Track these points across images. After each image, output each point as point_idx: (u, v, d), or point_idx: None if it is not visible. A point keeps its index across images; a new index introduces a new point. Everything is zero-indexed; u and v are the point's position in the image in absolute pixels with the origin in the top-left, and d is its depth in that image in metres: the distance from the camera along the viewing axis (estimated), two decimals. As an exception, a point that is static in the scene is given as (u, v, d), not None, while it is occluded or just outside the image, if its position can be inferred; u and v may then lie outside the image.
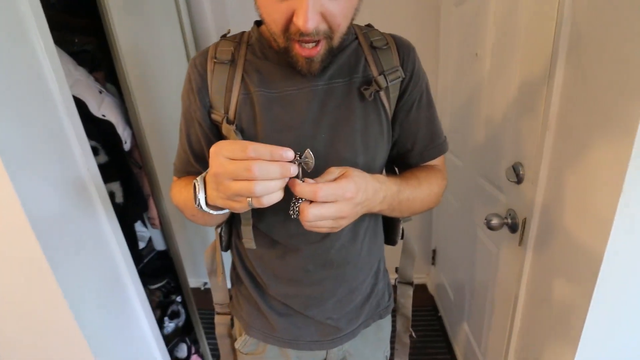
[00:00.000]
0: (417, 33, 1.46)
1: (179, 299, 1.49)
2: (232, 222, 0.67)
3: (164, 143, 1.27)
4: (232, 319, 0.75)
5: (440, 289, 1.74)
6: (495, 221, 0.88)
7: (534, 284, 0.82)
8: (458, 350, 1.48)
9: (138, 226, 1.36)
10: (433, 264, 1.87)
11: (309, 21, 0.40)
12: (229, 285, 0.76)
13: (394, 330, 0.80)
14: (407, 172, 0.62)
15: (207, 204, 0.45)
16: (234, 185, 0.38)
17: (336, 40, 0.46)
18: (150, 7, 1.33)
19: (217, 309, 0.75)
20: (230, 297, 0.74)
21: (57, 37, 0.78)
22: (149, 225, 1.38)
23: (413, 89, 0.57)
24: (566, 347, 0.69)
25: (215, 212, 0.47)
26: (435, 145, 0.62)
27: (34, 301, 0.76)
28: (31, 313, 0.79)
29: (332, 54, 0.49)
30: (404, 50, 0.57)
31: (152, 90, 1.35)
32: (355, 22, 0.59)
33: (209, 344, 1.50)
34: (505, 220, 0.89)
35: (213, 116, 0.55)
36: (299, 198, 0.43)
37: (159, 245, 1.47)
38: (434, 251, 1.84)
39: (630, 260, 0.57)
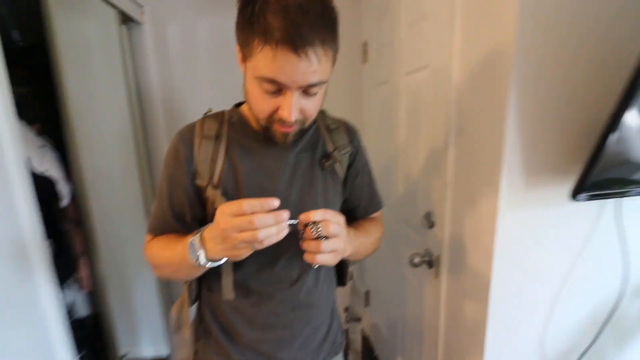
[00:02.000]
0: (346, 107, 1.77)
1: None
2: (202, 277, 0.73)
3: (104, 199, 1.24)
4: None
5: (375, 328, 1.87)
6: (417, 259, 1.09)
7: (450, 310, 1.02)
8: (394, 386, 1.60)
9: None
10: (367, 305, 2.02)
11: (292, 115, 0.55)
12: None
13: None
14: (354, 224, 0.78)
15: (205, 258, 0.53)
16: (240, 235, 0.48)
17: (307, 124, 0.62)
18: (97, 61, 1.36)
19: None
20: (196, 352, 0.76)
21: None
22: (72, 288, 1.26)
23: (358, 161, 0.76)
24: (476, 353, 0.87)
25: (210, 265, 0.55)
26: (375, 203, 0.81)
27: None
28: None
29: (302, 132, 0.64)
30: (351, 132, 0.76)
31: (94, 145, 1.32)
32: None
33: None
34: (424, 258, 1.10)
35: (197, 182, 0.64)
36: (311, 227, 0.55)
37: (81, 310, 1.32)
38: (367, 293, 2.00)
39: (508, 277, 0.80)
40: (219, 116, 0.69)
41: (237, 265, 0.66)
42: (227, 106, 0.73)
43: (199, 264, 0.54)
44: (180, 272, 0.62)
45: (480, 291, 0.83)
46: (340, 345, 0.83)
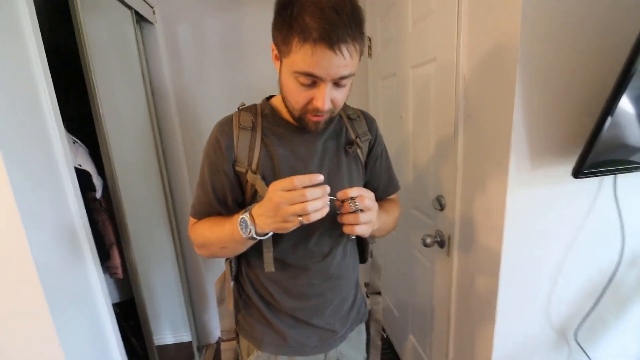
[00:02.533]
0: (353, 99, 1.83)
1: None
2: (242, 255, 0.80)
3: (130, 192, 1.31)
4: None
5: (385, 310, 1.97)
6: (429, 240, 1.17)
7: (461, 285, 1.10)
8: (406, 363, 1.69)
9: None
10: (376, 290, 2.11)
11: (325, 105, 0.62)
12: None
13: (367, 337, 0.98)
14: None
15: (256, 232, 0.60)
16: (291, 208, 0.55)
17: (335, 113, 0.69)
18: (117, 61, 1.42)
19: (224, 336, 0.84)
20: (237, 322, 0.83)
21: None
22: (107, 275, 1.33)
23: (377, 147, 0.84)
24: (488, 326, 0.96)
25: (260, 238, 0.62)
26: (393, 185, 0.89)
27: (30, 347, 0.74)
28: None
29: (332, 120, 0.72)
30: (369, 120, 0.84)
31: (120, 141, 1.38)
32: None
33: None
34: (436, 239, 1.18)
35: (237, 168, 0.71)
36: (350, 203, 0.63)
37: (113, 297, 1.40)
38: (376, 278, 2.09)
39: (517, 251, 0.88)
40: (253, 109, 0.76)
41: (275, 242, 0.73)
42: (236, 101, 0.80)
43: (251, 236, 0.61)
44: (227, 248, 0.69)
45: (491, 265, 0.92)
46: (365, 315, 0.91)
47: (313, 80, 0.60)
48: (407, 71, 1.32)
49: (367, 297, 0.98)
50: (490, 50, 0.84)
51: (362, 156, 0.80)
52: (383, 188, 0.87)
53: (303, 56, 0.57)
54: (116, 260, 1.26)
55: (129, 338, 1.42)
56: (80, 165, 1.06)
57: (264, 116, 0.75)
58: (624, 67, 0.63)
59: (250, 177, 0.70)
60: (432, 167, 1.22)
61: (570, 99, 0.78)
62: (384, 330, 1.99)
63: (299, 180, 0.56)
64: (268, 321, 0.79)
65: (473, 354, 1.05)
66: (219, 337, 0.84)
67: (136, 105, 1.48)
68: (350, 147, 0.77)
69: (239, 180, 0.73)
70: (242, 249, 0.71)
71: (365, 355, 0.96)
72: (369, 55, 1.75)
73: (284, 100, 0.69)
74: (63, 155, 0.82)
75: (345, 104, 0.85)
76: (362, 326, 0.92)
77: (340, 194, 0.62)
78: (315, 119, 0.66)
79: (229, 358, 0.84)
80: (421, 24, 1.17)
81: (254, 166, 0.71)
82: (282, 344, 0.78)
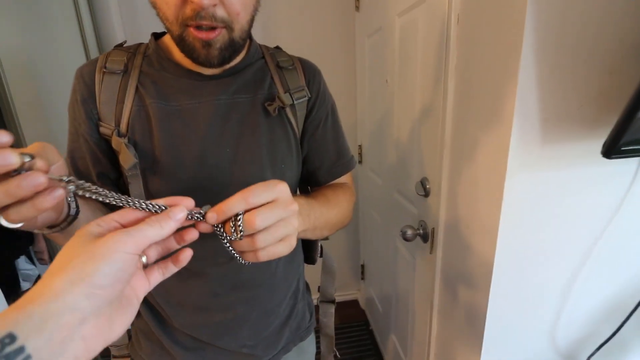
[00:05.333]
0: (338, 61, 1.57)
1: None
2: None
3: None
4: None
5: (370, 302, 1.79)
6: (409, 232, 0.94)
7: (445, 289, 0.89)
8: (388, 362, 1.52)
9: (22, 263, 1.13)
10: (362, 278, 1.92)
11: None
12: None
13: (318, 352, 0.79)
14: (315, 191, 0.63)
15: None
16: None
17: (237, 32, 0.46)
18: (46, 14, 1.18)
19: (114, 351, 0.64)
20: (129, 337, 0.64)
21: None
22: (36, 261, 1.16)
23: (319, 109, 0.60)
24: (474, 345, 0.75)
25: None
26: (342, 163, 0.64)
27: None
28: None
29: (234, 48, 0.47)
30: (309, 71, 0.59)
31: (44, 108, 1.17)
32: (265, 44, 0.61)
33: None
34: (418, 231, 0.96)
35: (102, 129, 0.50)
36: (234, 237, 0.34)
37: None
38: (362, 266, 1.90)
39: (516, 254, 0.65)
40: (132, 48, 0.54)
41: None
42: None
43: None
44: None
45: (481, 269, 0.69)
46: (308, 330, 0.71)
47: None
48: (394, 21, 1.05)
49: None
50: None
51: (295, 121, 0.57)
52: (328, 167, 0.63)
53: None
54: (41, 244, 1.09)
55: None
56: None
57: (146, 57, 0.52)
58: None
59: (115, 143, 0.49)
60: (416, 143, 0.97)
61: (599, 47, 0.52)
62: (368, 323, 1.82)
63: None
64: (158, 340, 0.59)
65: (455, 374, 0.85)
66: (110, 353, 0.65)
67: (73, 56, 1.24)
68: (271, 104, 0.53)
69: (108, 146, 0.51)
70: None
71: None
72: (356, 7, 1.47)
73: (158, 16, 0.45)
74: None
75: (279, 49, 0.61)
76: (306, 343, 0.71)
77: (211, 216, 0.34)
78: (201, 35, 0.43)
79: None
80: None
81: (122, 126, 0.49)
82: None
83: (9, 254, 0.99)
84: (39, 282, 0.25)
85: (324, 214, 0.53)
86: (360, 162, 1.68)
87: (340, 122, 0.65)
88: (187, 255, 0.35)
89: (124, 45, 0.54)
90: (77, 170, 0.52)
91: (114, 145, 0.49)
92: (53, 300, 0.23)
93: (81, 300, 0.24)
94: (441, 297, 0.91)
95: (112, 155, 0.51)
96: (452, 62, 0.74)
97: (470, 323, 0.77)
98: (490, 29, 0.60)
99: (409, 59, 0.98)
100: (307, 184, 0.67)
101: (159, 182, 0.50)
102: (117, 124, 0.49)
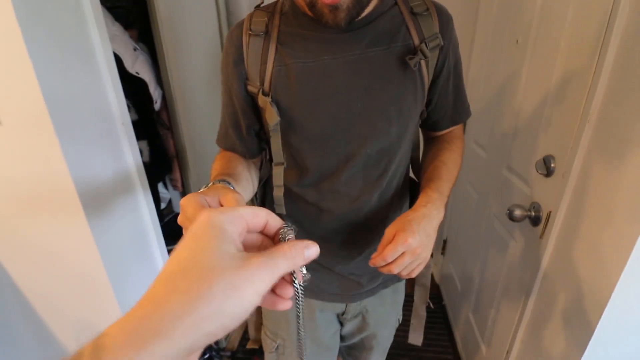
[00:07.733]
0: (455, 7, 1.41)
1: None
2: (266, 189, 0.69)
3: (192, 106, 1.29)
4: None
5: (447, 279, 1.75)
6: (518, 212, 0.87)
7: (551, 279, 0.82)
8: (458, 337, 1.51)
9: (159, 187, 1.40)
10: (442, 254, 1.88)
11: None
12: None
13: (411, 302, 0.83)
14: (435, 162, 0.63)
15: None
16: None
17: None
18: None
19: None
20: None
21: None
22: (170, 186, 1.42)
23: (451, 58, 0.58)
24: (577, 343, 0.69)
25: None
26: (462, 111, 0.65)
27: (68, 253, 0.81)
28: (66, 264, 0.83)
29: (361, 5, 0.48)
30: (443, 17, 0.56)
31: (184, 54, 1.35)
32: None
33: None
34: (528, 213, 0.88)
35: (249, 88, 0.56)
36: None
37: (179, 207, 1.51)
38: (445, 241, 1.84)
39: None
40: (271, 7, 0.57)
41: (297, 176, 0.61)
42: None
43: None
44: None
45: (604, 267, 0.62)
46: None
47: None
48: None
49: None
50: None
51: (426, 71, 0.55)
52: (451, 115, 0.64)
53: None
54: (177, 173, 1.31)
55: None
56: (137, 73, 1.05)
57: (283, 15, 0.55)
58: None
59: (261, 101, 0.54)
60: (546, 115, 0.86)
61: None
62: (441, 298, 1.80)
63: None
64: None
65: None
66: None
67: (205, 21, 1.38)
68: (412, 57, 0.52)
69: (254, 103, 0.58)
70: None
71: (399, 317, 0.83)
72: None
73: None
74: (103, 55, 0.77)
75: None
76: (401, 286, 0.79)
77: (379, 260, 0.51)
78: (328, 0, 0.45)
79: None
80: None
81: (266, 85, 0.54)
82: None
83: (154, 179, 1.23)
84: (170, 287, 0.21)
85: (449, 186, 0.59)
86: (462, 133, 1.56)
87: (462, 67, 0.63)
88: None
89: (262, 5, 0.58)
90: (231, 123, 0.60)
91: (260, 103, 0.55)
92: (179, 339, 0.19)
93: (204, 342, 0.20)
94: (544, 288, 0.85)
95: (257, 111, 0.58)
96: (618, 24, 0.62)
97: (577, 320, 0.71)
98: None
99: (554, 17, 0.84)
100: (426, 128, 0.70)
101: (294, 136, 0.56)
102: (262, 83, 0.54)
